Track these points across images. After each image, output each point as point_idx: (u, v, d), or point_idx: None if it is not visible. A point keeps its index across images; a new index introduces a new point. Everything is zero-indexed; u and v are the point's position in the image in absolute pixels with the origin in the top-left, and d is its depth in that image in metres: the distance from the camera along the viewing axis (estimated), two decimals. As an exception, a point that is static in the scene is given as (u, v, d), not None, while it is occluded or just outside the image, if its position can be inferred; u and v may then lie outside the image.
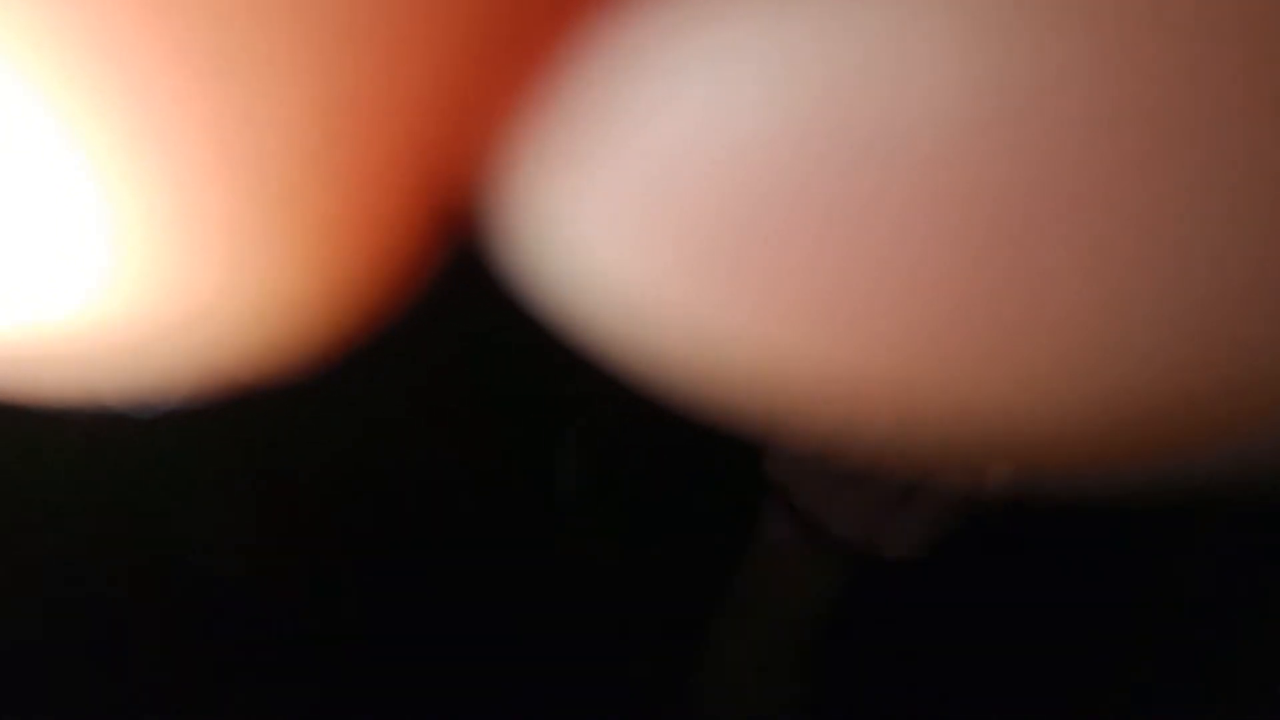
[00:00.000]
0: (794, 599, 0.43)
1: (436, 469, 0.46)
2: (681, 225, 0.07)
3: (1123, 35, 0.06)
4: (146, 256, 0.07)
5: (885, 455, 0.08)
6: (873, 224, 0.07)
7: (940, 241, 0.07)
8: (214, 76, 0.07)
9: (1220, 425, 0.07)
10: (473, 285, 0.09)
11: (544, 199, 0.08)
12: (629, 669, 0.43)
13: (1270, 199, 0.06)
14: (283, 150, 0.07)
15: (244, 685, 0.42)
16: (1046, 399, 0.07)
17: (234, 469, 0.42)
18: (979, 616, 0.39)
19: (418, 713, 0.44)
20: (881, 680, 0.41)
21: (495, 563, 0.43)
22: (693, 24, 0.07)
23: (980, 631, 0.38)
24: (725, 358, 0.08)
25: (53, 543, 0.39)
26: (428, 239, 0.08)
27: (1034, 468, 0.08)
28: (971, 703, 0.40)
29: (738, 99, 0.07)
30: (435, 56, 0.07)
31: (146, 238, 0.07)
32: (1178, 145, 0.06)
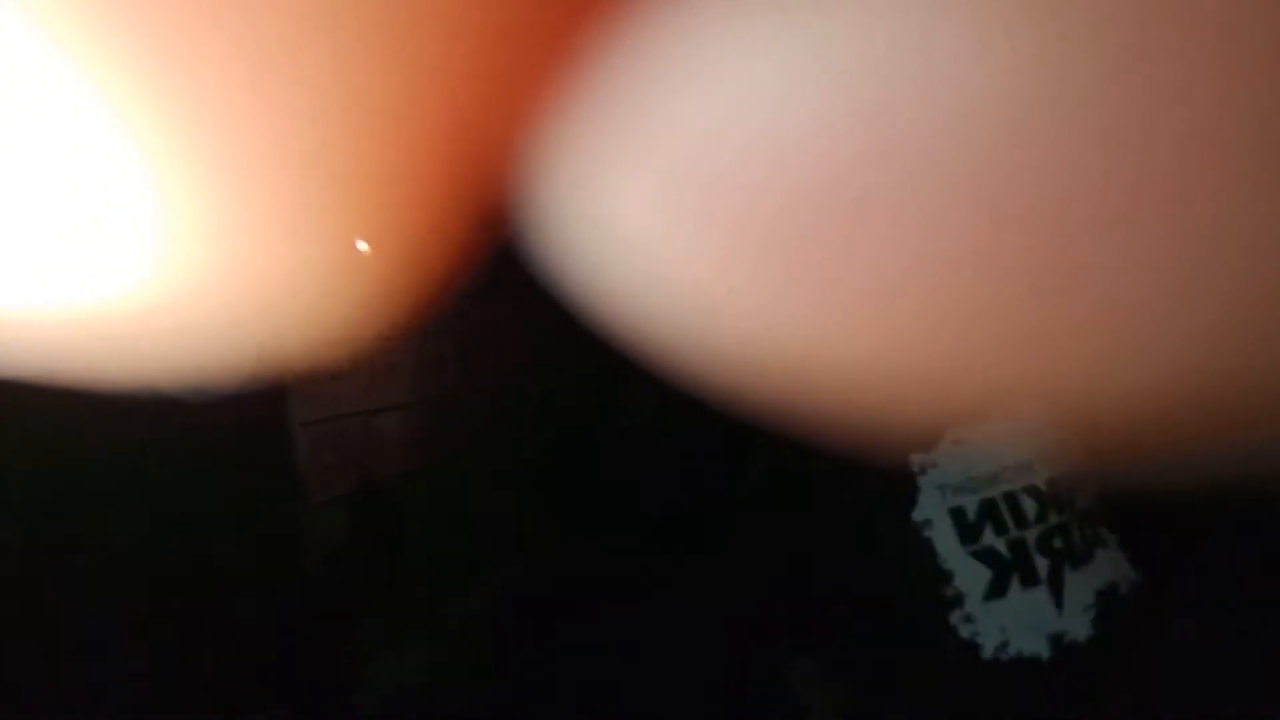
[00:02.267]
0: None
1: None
2: (718, 215, 0.07)
3: (1161, 36, 0.06)
4: (201, 240, 0.07)
5: (916, 444, 0.08)
6: (908, 217, 0.07)
7: (977, 236, 0.07)
8: (268, 67, 0.07)
9: (1249, 420, 0.07)
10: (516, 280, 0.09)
11: (582, 189, 0.08)
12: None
13: None
14: (335, 138, 0.07)
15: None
16: (1084, 391, 0.07)
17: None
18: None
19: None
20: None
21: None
22: (732, 16, 0.07)
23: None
24: (761, 345, 0.08)
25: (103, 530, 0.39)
26: (472, 229, 0.08)
27: (1070, 458, 0.08)
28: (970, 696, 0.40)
29: (778, 91, 0.07)
30: (478, 48, 0.07)
31: (201, 222, 0.07)
32: (1216, 142, 0.06)
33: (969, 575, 0.46)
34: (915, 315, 0.07)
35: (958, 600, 0.46)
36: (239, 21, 0.06)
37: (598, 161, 0.08)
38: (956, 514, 0.47)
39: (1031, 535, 0.47)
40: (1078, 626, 0.46)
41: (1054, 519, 0.47)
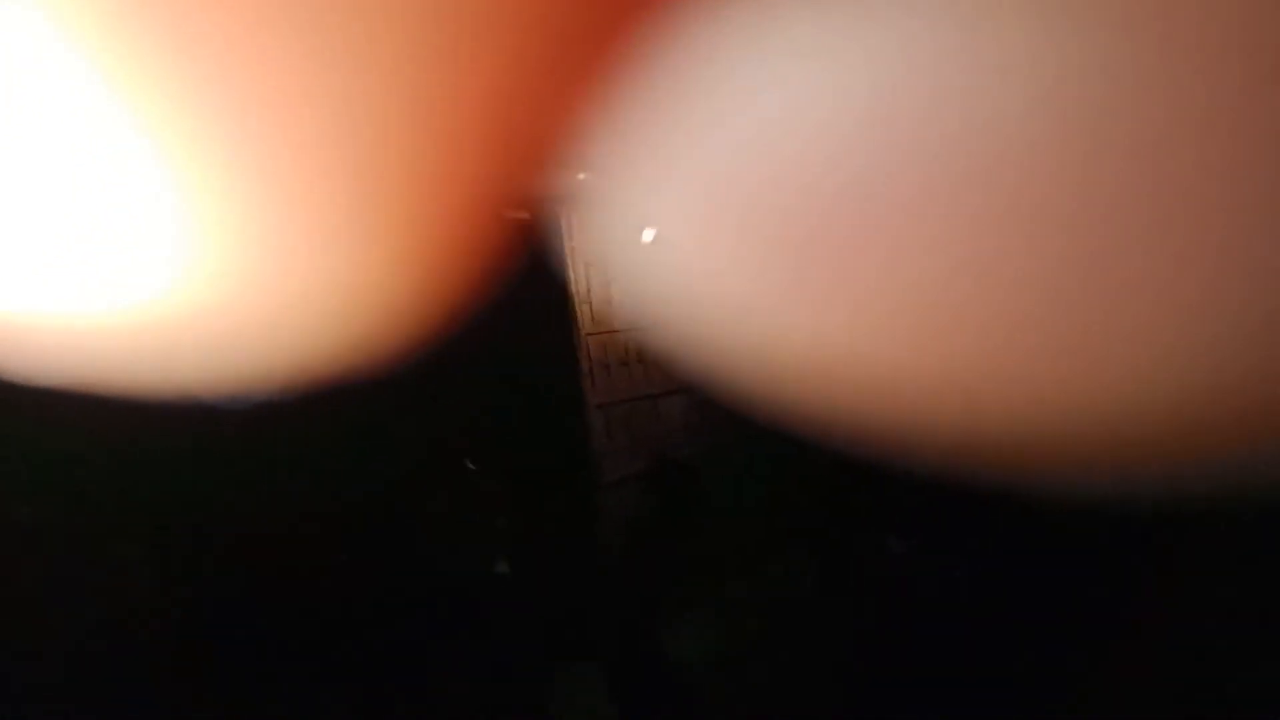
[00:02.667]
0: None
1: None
2: (752, 222, 0.07)
3: (1178, 52, 0.06)
4: (230, 245, 0.08)
5: (943, 452, 0.08)
6: (940, 226, 0.07)
7: (1006, 247, 0.07)
8: (301, 71, 0.07)
9: (1260, 430, 0.07)
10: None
11: (617, 196, 0.08)
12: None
13: None
14: (371, 147, 0.08)
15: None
16: (1113, 401, 0.07)
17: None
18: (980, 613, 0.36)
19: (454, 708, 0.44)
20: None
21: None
22: (766, 25, 0.07)
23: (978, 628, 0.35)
24: (794, 353, 0.08)
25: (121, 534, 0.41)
26: (506, 236, 0.08)
27: (1094, 467, 0.08)
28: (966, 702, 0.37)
29: (810, 99, 0.07)
30: (514, 57, 0.07)
31: (231, 227, 0.08)
32: (1231, 157, 0.06)
33: None
34: (939, 321, 0.07)
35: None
36: (270, 24, 0.07)
37: (632, 169, 0.08)
38: None
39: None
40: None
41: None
